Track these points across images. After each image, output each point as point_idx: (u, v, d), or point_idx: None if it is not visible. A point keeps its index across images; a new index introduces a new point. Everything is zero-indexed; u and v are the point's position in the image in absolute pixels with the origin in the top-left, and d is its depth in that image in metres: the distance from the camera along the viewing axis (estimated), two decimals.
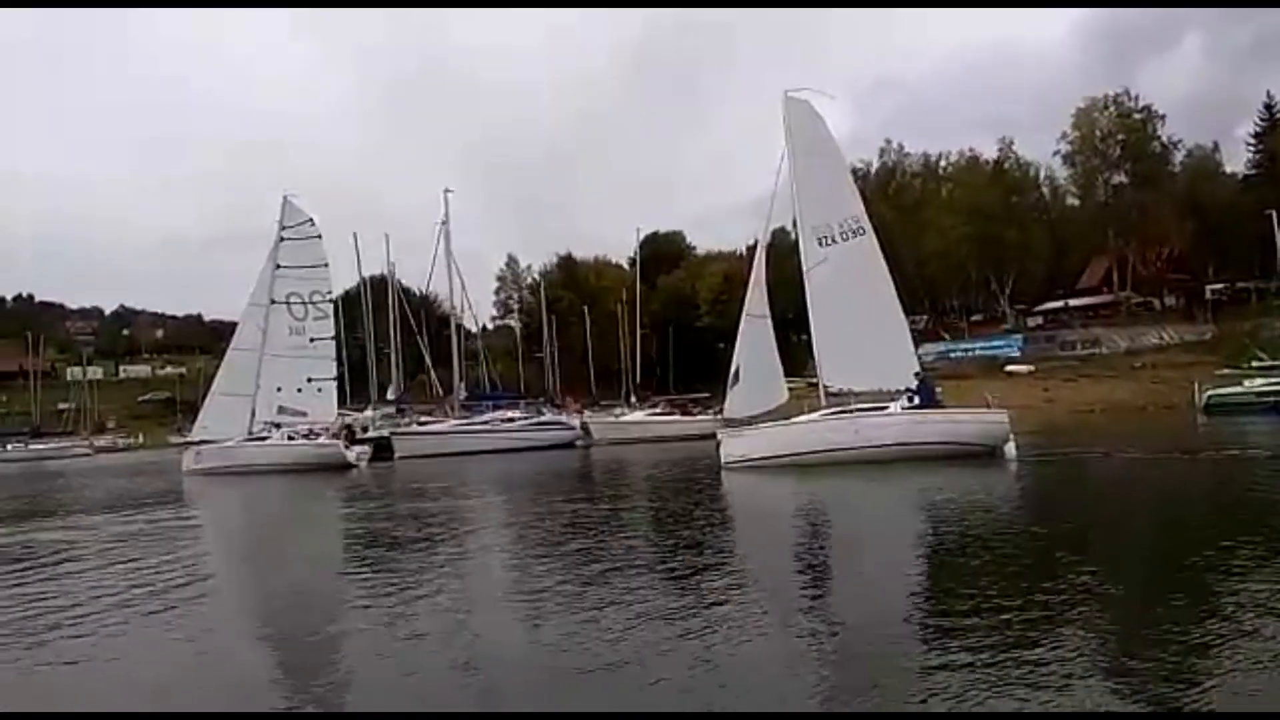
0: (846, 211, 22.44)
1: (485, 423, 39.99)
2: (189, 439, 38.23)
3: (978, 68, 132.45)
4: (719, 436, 21.54)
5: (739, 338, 23.77)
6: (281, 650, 6.73)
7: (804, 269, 22.25)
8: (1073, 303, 65.47)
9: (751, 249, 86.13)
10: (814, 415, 21.19)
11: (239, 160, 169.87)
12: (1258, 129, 65.77)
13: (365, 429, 40.94)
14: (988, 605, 6.42)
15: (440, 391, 48.76)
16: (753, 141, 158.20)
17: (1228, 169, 68.27)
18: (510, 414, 41.55)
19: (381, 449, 35.96)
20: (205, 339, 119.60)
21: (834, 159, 23.34)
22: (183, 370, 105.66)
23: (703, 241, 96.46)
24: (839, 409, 20.85)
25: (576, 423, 42.28)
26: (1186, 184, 62.88)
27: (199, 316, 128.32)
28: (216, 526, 17.55)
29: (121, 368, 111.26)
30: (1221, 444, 20.81)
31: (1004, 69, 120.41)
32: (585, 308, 68.79)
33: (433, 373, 49.62)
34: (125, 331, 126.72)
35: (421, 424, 40.91)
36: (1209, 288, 62.17)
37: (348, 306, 60.22)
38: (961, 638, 5.56)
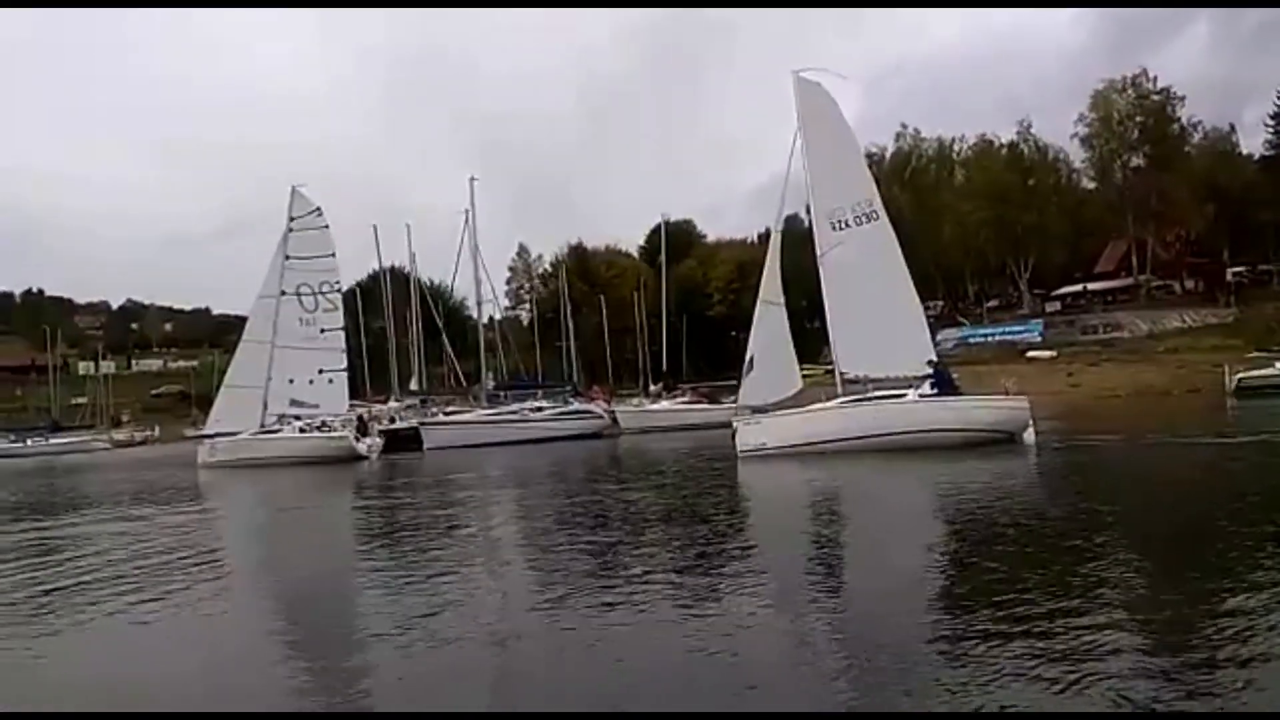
0: (859, 195, 22.01)
1: (514, 412, 39.59)
2: (202, 432, 38.32)
3: (984, 52, 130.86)
4: (734, 425, 21.19)
5: (754, 324, 23.35)
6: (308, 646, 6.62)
7: (818, 253, 21.86)
8: (1091, 287, 64.79)
9: (763, 237, 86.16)
10: (831, 403, 20.83)
11: (245, 153, 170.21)
12: (1277, 109, 64.91)
13: (392, 420, 40.92)
14: (1017, 602, 6.11)
15: (463, 382, 48.63)
16: (761, 128, 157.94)
17: (1243, 151, 67.62)
18: (539, 404, 41.15)
19: (409, 440, 35.81)
20: (215, 332, 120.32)
21: (846, 141, 22.81)
22: (194, 363, 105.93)
23: (712, 230, 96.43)
24: (857, 396, 20.53)
25: (604, 412, 41.92)
26: (1205, 167, 61.98)
27: (208, 310, 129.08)
28: (250, 520, 17.26)
29: (133, 362, 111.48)
30: (1256, 428, 20.30)
31: (1010, 54, 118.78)
32: (601, 296, 68.44)
33: (455, 363, 49.61)
34: (134, 326, 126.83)
35: (447, 414, 40.59)
36: (1229, 270, 61.38)
37: (364, 297, 60.51)
38: (986, 636, 5.31)
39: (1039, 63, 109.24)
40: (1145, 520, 9.62)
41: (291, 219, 34.65)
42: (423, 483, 20.64)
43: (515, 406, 40.57)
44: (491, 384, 44.34)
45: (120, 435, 72.18)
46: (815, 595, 7.07)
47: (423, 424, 37.52)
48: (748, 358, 23.13)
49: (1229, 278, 60.63)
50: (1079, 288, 65.48)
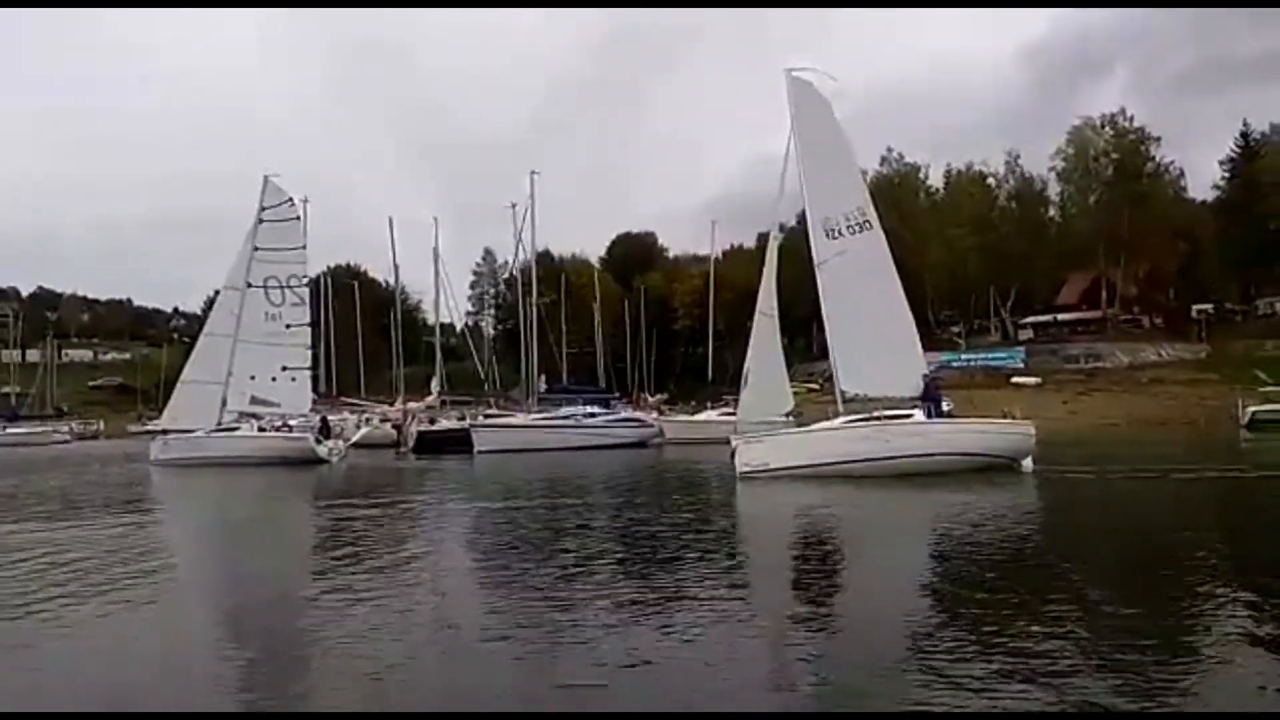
0: (853, 203, 21.03)
1: (567, 418, 38.56)
2: (148, 427, 36.61)
3: (917, 86, 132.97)
4: (733, 443, 20.19)
5: (751, 337, 22.46)
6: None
7: (815, 262, 20.96)
8: (1060, 317, 65.52)
9: (728, 253, 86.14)
10: (835, 422, 19.99)
11: (163, 143, 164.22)
12: (1232, 155, 66.66)
13: (432, 420, 40.29)
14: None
15: (485, 384, 48.89)
16: (717, 139, 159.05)
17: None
18: (591, 409, 40.21)
19: (453, 441, 34.80)
20: (135, 324, 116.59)
21: (840, 146, 21.69)
22: (127, 355, 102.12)
23: (668, 241, 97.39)
24: (862, 416, 19.75)
25: (654, 420, 41.45)
26: (1169, 206, 63.41)
27: (129, 301, 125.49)
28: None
29: (64, 351, 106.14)
30: (1273, 461, 20.05)
31: (943, 88, 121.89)
32: (594, 304, 67.69)
33: (480, 366, 50.35)
34: (53, 314, 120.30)
35: (487, 417, 39.44)
36: (1195, 308, 62.71)
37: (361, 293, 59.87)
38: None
39: (969, 99, 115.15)
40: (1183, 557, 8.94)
41: (263, 209, 33.21)
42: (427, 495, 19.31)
43: (567, 411, 39.59)
44: (543, 387, 43.15)
45: (77, 427, 69.22)
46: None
47: (474, 426, 36.06)
48: (744, 371, 22.34)
49: (1195, 314, 61.87)
50: (1049, 317, 66.19)
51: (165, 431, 32.87)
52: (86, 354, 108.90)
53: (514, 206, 43.52)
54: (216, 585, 9.42)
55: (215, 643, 6.60)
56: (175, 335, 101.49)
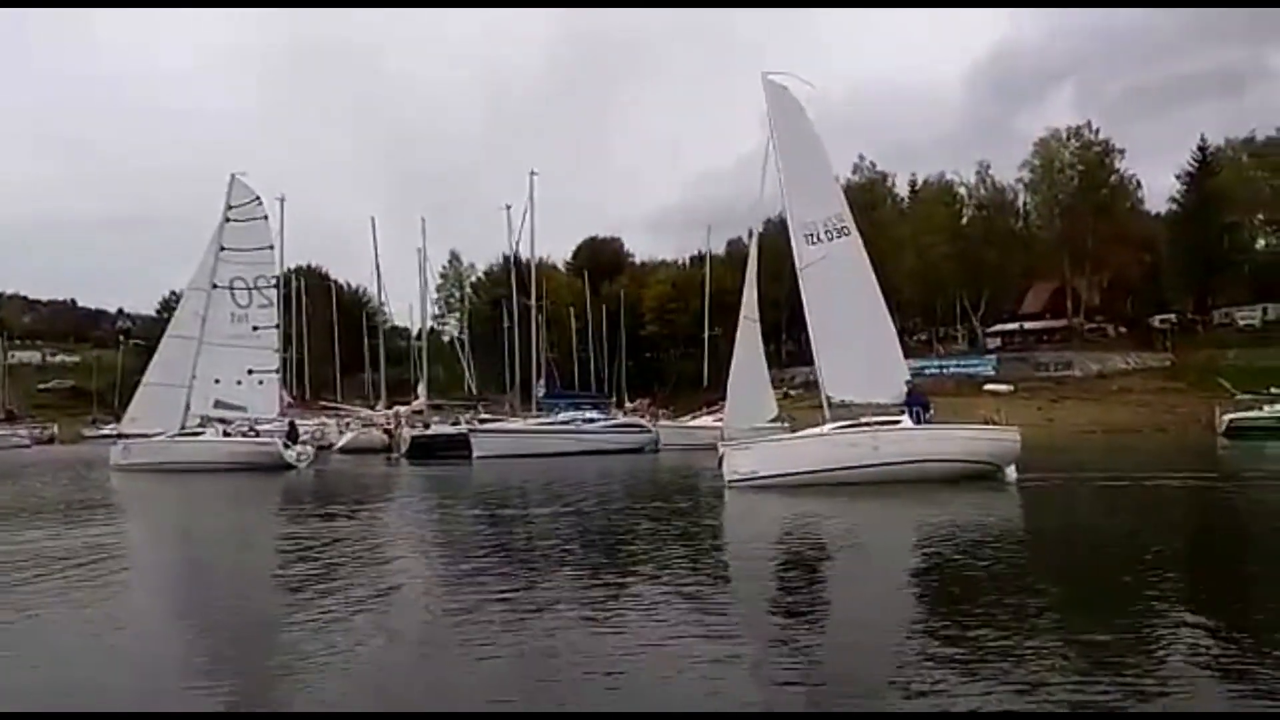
0: (830, 209, 20.89)
1: (567, 423, 38.21)
2: (103, 431, 35.50)
3: (865, 100, 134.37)
4: (720, 450, 19.93)
5: (736, 342, 22.34)
6: None
7: (798, 266, 20.78)
8: (1027, 325, 66.35)
9: (694, 259, 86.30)
10: (823, 429, 19.80)
11: (109, 140, 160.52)
12: (1189, 169, 67.75)
13: (426, 425, 39.80)
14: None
15: (471, 389, 48.64)
16: (676, 147, 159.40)
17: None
18: (590, 414, 40.03)
19: (449, 446, 34.39)
20: (80, 325, 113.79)
21: (816, 151, 21.49)
22: (77, 357, 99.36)
23: (632, 246, 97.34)
24: (850, 423, 19.58)
25: (652, 426, 41.26)
26: (1128, 217, 64.54)
27: (72, 301, 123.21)
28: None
29: (12, 353, 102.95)
30: (1252, 467, 20.30)
31: (890, 102, 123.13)
32: (569, 309, 67.12)
33: (467, 373, 50.19)
34: None
35: (482, 421, 38.83)
36: (1158, 318, 63.84)
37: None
38: None
39: (920, 114, 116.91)
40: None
41: (229, 208, 32.47)
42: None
43: (567, 417, 39.23)
44: (542, 391, 42.67)
45: (35, 431, 67.13)
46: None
47: (473, 431, 35.43)
48: (731, 376, 22.19)
49: (1159, 324, 62.96)
50: (1015, 325, 66.99)
51: (123, 435, 31.97)
52: (35, 356, 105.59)
53: (509, 208, 43.43)
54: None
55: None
56: (122, 337, 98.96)
